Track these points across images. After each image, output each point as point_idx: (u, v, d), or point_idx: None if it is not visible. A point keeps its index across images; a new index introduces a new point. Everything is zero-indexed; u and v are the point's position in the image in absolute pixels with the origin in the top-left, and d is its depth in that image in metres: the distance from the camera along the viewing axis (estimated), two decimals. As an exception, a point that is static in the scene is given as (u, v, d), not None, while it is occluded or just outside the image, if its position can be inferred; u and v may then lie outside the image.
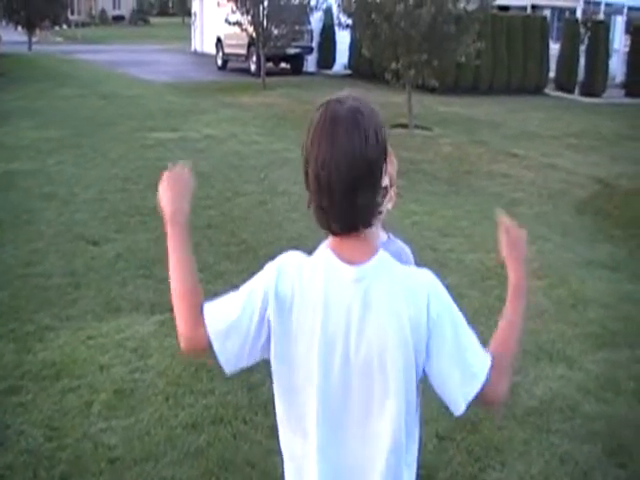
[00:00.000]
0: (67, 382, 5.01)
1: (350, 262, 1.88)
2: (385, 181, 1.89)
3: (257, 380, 4.98)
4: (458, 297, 5.81)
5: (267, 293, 1.93)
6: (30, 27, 35.11)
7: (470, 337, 1.92)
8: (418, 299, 1.86)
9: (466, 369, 1.88)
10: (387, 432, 1.89)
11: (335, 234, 1.89)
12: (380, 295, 1.86)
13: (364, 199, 1.82)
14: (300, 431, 1.94)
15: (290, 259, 1.98)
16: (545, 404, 5.04)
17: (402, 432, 1.90)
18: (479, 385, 1.89)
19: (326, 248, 1.94)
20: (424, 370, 1.89)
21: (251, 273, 6.93)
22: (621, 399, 5.18)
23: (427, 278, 1.93)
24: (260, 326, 1.93)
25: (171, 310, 6.68)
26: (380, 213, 1.91)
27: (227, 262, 7.44)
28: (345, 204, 1.81)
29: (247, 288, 2.02)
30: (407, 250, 2.80)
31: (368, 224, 1.87)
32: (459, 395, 1.89)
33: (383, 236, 2.74)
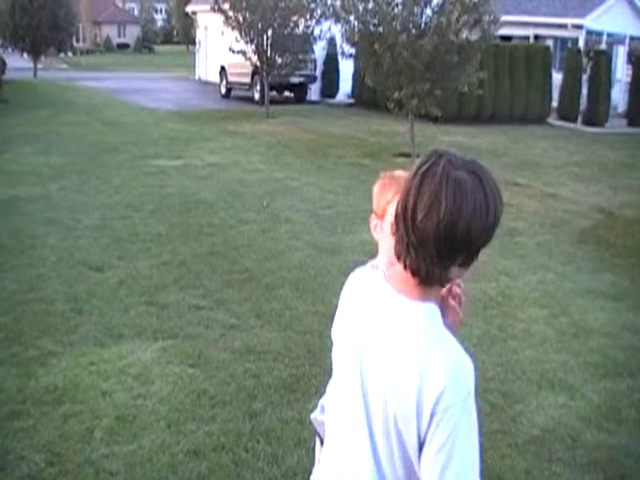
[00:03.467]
0: (69, 407, 5.01)
1: (400, 291, 1.85)
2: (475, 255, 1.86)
3: (259, 408, 4.98)
4: (460, 326, 5.81)
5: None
6: (36, 54, 35.47)
7: (466, 456, 1.74)
8: (435, 377, 1.74)
9: (447, 473, 1.71)
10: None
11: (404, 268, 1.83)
12: (401, 335, 1.82)
13: (448, 264, 1.80)
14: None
15: (347, 286, 2.10)
16: (547, 433, 5.03)
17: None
18: None
19: (381, 273, 1.99)
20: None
21: (254, 301, 6.95)
22: (623, 428, 5.17)
23: (457, 366, 1.78)
24: None
25: (173, 337, 6.71)
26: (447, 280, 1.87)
27: (230, 290, 7.45)
28: (430, 263, 1.77)
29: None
30: None
31: (438, 285, 1.86)
32: None
33: None
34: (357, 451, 1.90)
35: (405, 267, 1.80)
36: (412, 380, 1.75)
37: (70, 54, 55.63)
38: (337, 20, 16.80)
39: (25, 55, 37.37)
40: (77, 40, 62.32)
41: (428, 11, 15.58)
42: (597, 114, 24.00)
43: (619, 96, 27.51)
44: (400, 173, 2.47)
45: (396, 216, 1.80)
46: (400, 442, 1.79)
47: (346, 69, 25.60)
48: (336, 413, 1.98)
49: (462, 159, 1.79)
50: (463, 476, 1.72)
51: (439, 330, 1.85)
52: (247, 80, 25.73)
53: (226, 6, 21.07)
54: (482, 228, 1.76)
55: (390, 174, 2.55)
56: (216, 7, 21.29)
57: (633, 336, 6.89)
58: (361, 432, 1.88)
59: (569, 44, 26.97)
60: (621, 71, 28.89)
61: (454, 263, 1.79)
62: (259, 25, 20.87)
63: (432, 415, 1.71)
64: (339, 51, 18.43)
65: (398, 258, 1.82)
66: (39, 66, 36.16)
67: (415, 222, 1.72)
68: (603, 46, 26.82)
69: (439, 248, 1.73)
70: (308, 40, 22.40)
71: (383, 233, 2.54)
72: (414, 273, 1.80)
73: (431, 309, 1.85)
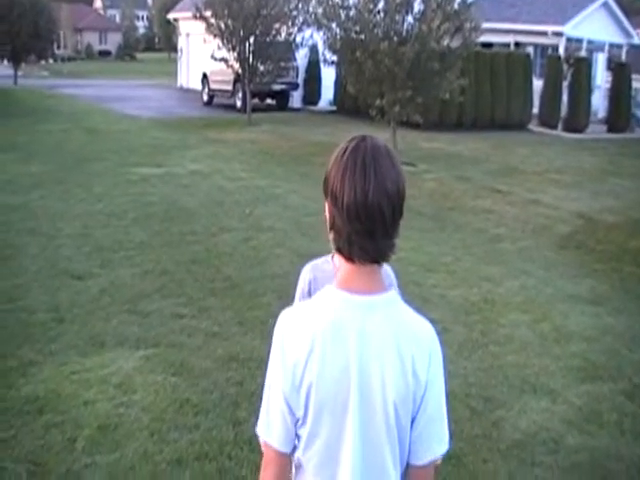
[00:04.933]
0: (51, 417, 4.98)
1: (362, 293, 1.92)
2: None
3: (242, 416, 4.98)
4: (442, 331, 5.85)
5: (286, 391, 1.95)
6: (16, 61, 35.26)
7: (444, 402, 1.99)
8: (422, 351, 1.93)
9: (441, 431, 1.98)
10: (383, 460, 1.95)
11: (353, 262, 1.92)
12: (387, 328, 1.91)
13: (395, 230, 1.91)
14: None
15: (289, 326, 1.99)
16: (529, 437, 5.05)
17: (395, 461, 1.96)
18: (446, 447, 1.98)
19: (333, 287, 1.97)
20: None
21: (236, 309, 6.89)
22: (604, 431, 5.20)
23: (432, 333, 1.98)
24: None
25: (155, 345, 6.66)
26: (395, 248, 1.95)
27: (212, 298, 7.44)
28: (381, 233, 1.88)
29: (272, 387, 2.00)
30: (389, 269, 2.84)
31: (389, 256, 1.93)
32: (429, 450, 1.97)
33: None
34: (370, 457, 1.94)
35: (354, 260, 1.91)
36: (407, 364, 1.89)
37: (51, 61, 55.42)
38: (319, 27, 16.87)
39: (5, 62, 37.16)
40: (58, 47, 62.08)
41: (410, 19, 15.68)
42: (577, 120, 24.17)
43: (599, 102, 27.73)
44: None
45: (331, 206, 1.92)
46: (399, 428, 1.92)
47: (328, 76, 25.65)
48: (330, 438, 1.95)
49: (373, 140, 1.95)
50: (446, 428, 1.99)
51: (406, 309, 1.99)
52: (229, 87, 25.72)
53: (208, 13, 21.06)
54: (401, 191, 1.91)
55: None
56: (198, 14, 21.27)
57: (613, 340, 6.94)
58: (364, 441, 1.93)
59: (549, 51, 27.17)
60: (601, 78, 29.15)
61: (398, 226, 1.93)
62: (241, 32, 20.88)
63: (426, 386, 1.91)
64: (321, 58, 18.50)
65: (348, 257, 1.92)
66: (19, 73, 35.95)
67: (343, 201, 1.86)
68: (583, 53, 27.03)
69: (385, 215, 1.86)
70: (290, 47, 22.44)
71: None
72: (372, 258, 1.91)
73: (394, 296, 1.98)
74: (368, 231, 1.86)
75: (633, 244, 10.51)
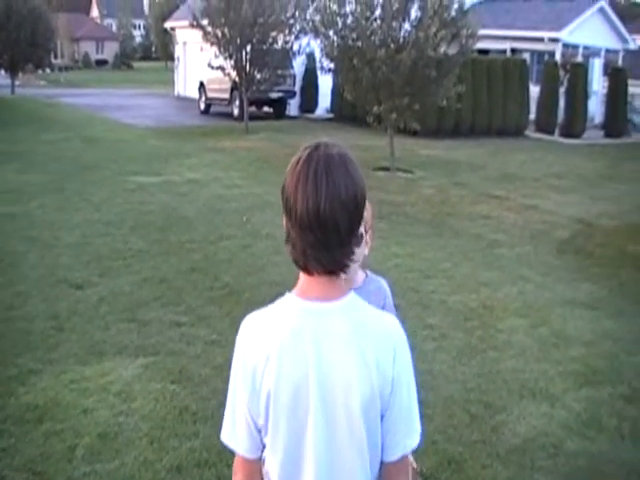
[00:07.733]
0: (50, 426, 4.98)
1: (319, 300, 1.91)
2: (361, 227, 1.96)
3: (241, 422, 4.98)
4: (441, 337, 5.89)
5: (246, 397, 1.95)
6: (13, 70, 35.26)
7: (415, 394, 1.97)
8: (385, 348, 1.90)
9: (411, 425, 1.96)
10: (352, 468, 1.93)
11: (310, 274, 1.91)
12: (346, 332, 1.88)
13: (353, 239, 1.88)
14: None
15: (249, 331, 1.99)
16: (528, 442, 5.05)
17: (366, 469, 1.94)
18: (417, 441, 1.97)
19: (292, 295, 1.96)
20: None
21: (235, 317, 6.89)
22: (603, 436, 5.20)
23: (395, 329, 1.96)
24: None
25: (154, 354, 6.66)
26: (354, 257, 1.94)
27: (211, 306, 7.44)
28: (336, 244, 1.85)
29: (235, 393, 2.00)
30: (385, 285, 2.86)
31: (347, 266, 1.90)
32: (399, 445, 1.95)
33: (361, 275, 2.80)
34: (336, 464, 1.92)
35: (311, 272, 1.90)
36: (372, 368, 1.86)
37: (48, 71, 55.45)
38: (316, 35, 16.89)
39: (2, 72, 37.20)
40: (55, 57, 62.04)
41: (407, 26, 15.69)
42: (574, 126, 24.25)
43: (596, 108, 27.84)
44: None
45: (286, 215, 1.92)
46: (368, 431, 1.90)
47: (325, 84, 25.69)
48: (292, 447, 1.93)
49: (327, 148, 1.91)
50: (417, 421, 1.97)
51: (366, 308, 1.97)
52: (226, 96, 25.73)
53: (205, 22, 21.10)
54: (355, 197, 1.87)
55: None
56: (195, 23, 21.31)
57: (612, 344, 6.95)
58: (329, 449, 1.91)
59: (546, 57, 27.22)
60: (597, 83, 29.22)
61: (356, 235, 1.90)
62: (238, 40, 20.88)
63: (393, 382, 1.88)
64: (318, 66, 18.52)
65: (304, 269, 1.91)
66: (17, 83, 35.98)
67: (297, 212, 1.85)
68: (579, 59, 27.11)
69: (340, 224, 1.84)
70: (287, 55, 22.45)
71: None
72: (328, 269, 1.89)
73: (353, 299, 1.95)
74: (322, 242, 1.84)
75: (631, 248, 10.54)
